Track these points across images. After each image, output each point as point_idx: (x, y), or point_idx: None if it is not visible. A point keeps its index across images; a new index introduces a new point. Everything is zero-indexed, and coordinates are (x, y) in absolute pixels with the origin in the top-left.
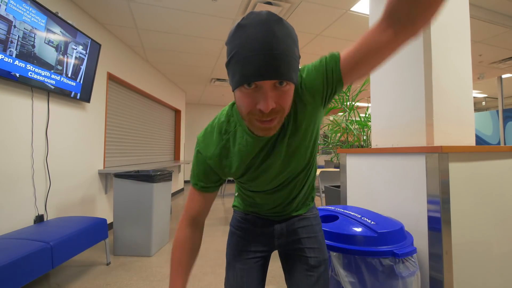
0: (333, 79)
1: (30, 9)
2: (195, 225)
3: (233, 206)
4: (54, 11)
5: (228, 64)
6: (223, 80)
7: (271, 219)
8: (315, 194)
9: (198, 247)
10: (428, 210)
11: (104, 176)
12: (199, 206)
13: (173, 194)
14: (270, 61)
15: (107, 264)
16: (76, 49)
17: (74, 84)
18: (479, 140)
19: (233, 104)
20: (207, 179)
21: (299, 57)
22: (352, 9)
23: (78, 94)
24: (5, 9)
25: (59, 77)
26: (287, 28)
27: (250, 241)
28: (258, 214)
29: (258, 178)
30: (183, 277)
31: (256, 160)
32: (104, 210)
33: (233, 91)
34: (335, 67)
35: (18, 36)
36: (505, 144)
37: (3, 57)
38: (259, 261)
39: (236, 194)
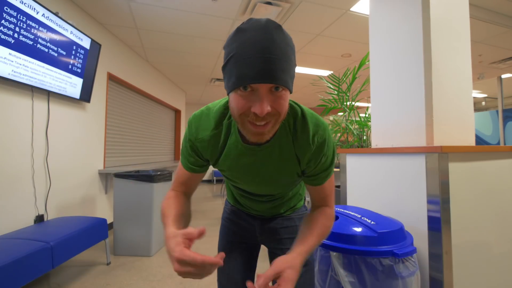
0: (310, 168)
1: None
2: (182, 193)
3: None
4: (54, 11)
5: (224, 67)
6: (223, 80)
7: (254, 215)
8: (304, 192)
9: (188, 210)
10: (428, 210)
11: (104, 176)
12: (186, 181)
13: None
14: (267, 65)
15: (107, 264)
16: (76, 49)
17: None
18: (479, 140)
19: None
20: (194, 160)
21: (295, 65)
22: (352, 9)
23: (78, 94)
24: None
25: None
26: (286, 36)
27: (236, 233)
28: (243, 209)
29: (236, 178)
30: (174, 219)
31: (239, 165)
32: (104, 210)
33: (228, 94)
34: (315, 180)
35: (19, 36)
36: (505, 144)
37: (3, 56)
38: (245, 251)
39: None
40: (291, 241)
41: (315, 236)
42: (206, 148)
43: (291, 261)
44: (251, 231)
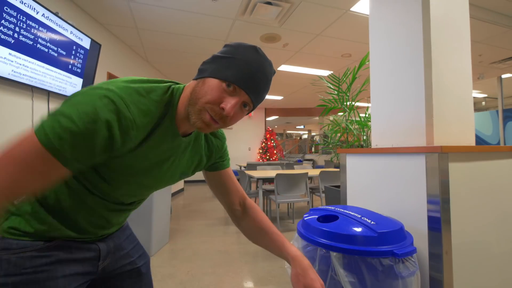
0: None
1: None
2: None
3: (9, 231)
4: (54, 11)
5: (223, 58)
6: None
7: (91, 238)
8: None
9: None
10: (428, 210)
11: None
12: (36, 184)
13: (173, 194)
14: (262, 88)
15: None
16: (76, 49)
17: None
18: (479, 140)
19: (172, 87)
20: (92, 149)
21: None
22: (352, 9)
23: None
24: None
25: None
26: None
27: (67, 277)
28: (70, 236)
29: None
30: None
31: (156, 155)
32: None
33: (205, 77)
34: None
35: (19, 36)
36: (505, 144)
37: (3, 56)
38: None
39: (21, 211)
40: (135, 249)
41: (279, 234)
42: (133, 135)
43: (305, 268)
44: (89, 260)
